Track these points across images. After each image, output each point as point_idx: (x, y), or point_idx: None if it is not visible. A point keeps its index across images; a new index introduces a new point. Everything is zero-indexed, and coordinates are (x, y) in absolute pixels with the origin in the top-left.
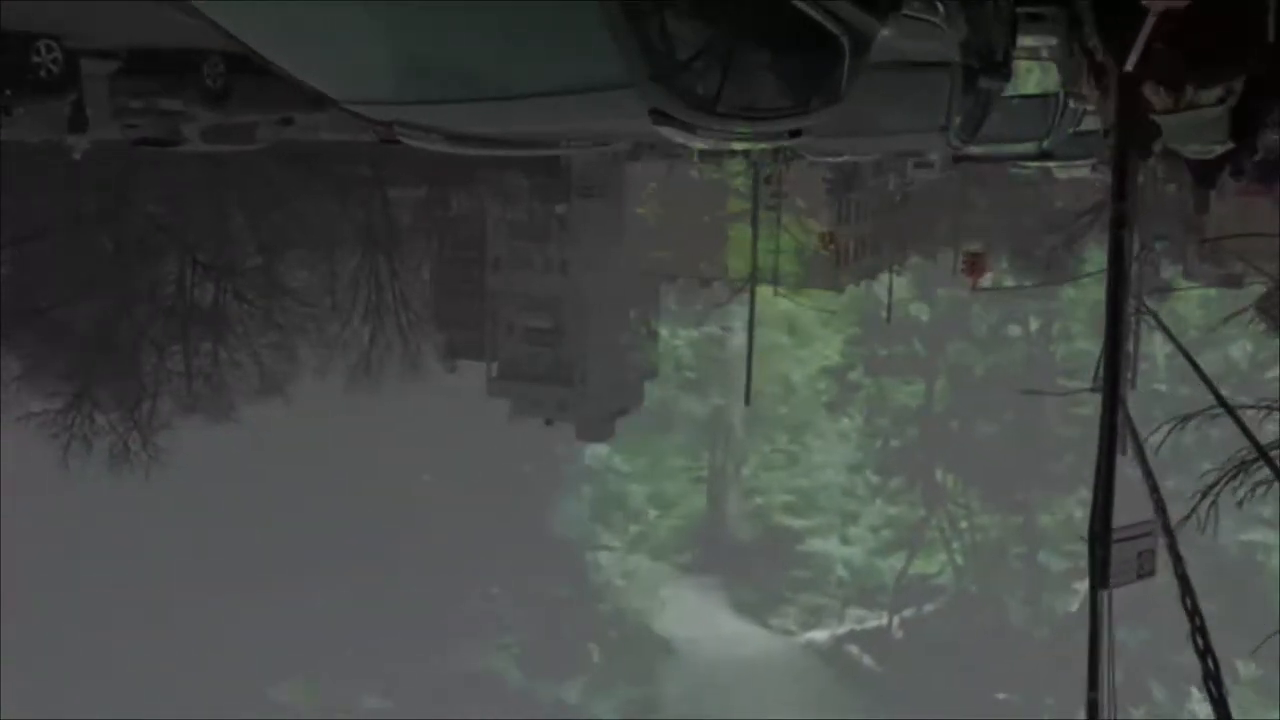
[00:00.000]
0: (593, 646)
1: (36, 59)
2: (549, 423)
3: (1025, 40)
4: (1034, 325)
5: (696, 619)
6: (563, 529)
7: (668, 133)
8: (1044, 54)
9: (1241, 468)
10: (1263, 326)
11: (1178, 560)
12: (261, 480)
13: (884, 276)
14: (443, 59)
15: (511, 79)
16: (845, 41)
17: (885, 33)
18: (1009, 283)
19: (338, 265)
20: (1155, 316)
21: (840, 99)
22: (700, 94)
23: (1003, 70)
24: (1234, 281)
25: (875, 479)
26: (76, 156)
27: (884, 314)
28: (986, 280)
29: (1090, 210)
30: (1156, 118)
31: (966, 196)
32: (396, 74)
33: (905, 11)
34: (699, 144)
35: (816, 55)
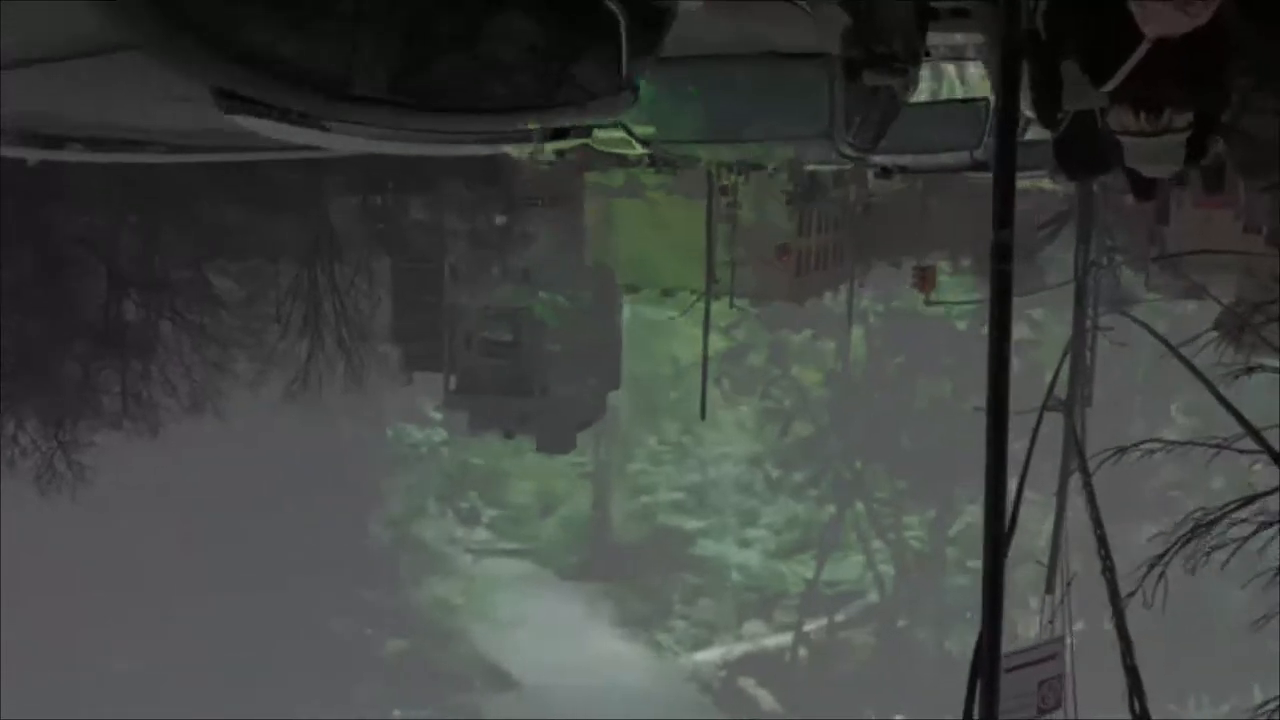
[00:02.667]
0: (449, 688)
1: None
2: (509, 436)
3: (952, 38)
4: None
5: (567, 635)
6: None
7: (259, 125)
8: (970, 53)
9: (1194, 532)
10: (1230, 347)
11: (1127, 647)
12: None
13: (844, 288)
14: None
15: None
16: (619, 13)
17: (694, 6)
18: (973, 295)
19: (276, 278)
20: (1149, 329)
21: (622, 90)
22: (305, 65)
23: (894, 65)
24: (1196, 292)
25: (777, 472)
26: (31, 163)
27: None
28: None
29: (1052, 221)
30: (1124, 139)
31: (929, 206)
32: None
33: None
34: (341, 146)
35: (574, 30)
